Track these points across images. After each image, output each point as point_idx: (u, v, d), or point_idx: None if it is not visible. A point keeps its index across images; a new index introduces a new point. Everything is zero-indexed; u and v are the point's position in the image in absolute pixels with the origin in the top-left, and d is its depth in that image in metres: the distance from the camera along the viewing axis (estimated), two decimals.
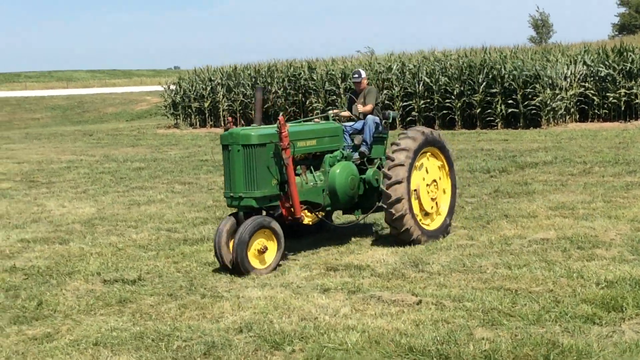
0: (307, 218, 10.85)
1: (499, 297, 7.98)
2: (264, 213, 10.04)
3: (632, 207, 12.35)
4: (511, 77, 29.47)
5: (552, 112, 28.86)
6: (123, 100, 69.27)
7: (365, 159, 11.13)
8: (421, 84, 31.45)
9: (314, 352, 6.73)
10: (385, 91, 32.28)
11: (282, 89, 36.67)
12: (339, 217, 12.25)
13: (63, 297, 8.78)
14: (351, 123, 11.49)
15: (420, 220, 10.76)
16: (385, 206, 10.42)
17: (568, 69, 29.36)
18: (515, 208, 12.80)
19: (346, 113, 11.72)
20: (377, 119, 11.30)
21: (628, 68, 28.92)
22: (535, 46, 44.90)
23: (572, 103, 29.36)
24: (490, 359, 6.42)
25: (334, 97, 34.43)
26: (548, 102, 28.55)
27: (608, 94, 28.95)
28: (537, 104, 28.63)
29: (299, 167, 10.34)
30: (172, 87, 41.78)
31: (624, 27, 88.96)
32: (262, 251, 9.45)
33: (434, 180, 11.04)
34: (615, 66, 29.03)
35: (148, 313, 8.07)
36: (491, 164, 18.12)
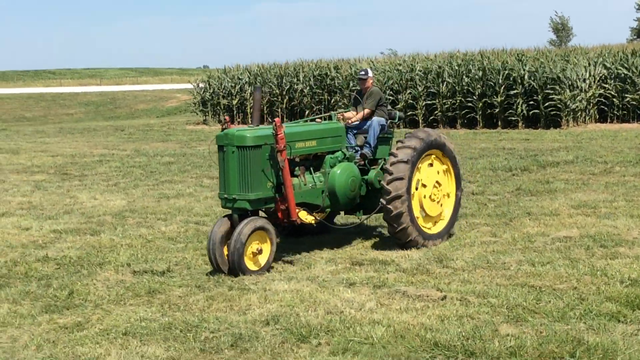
0: (309, 218, 10.14)
1: (523, 294, 7.80)
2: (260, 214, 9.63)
3: None
4: (532, 78, 29.19)
5: (572, 113, 28.55)
6: (154, 97, 69.41)
7: (367, 161, 10.67)
8: (444, 84, 31.22)
9: (339, 346, 6.59)
10: (408, 90, 32.07)
11: (308, 88, 36.56)
12: (341, 218, 11.91)
13: (94, 287, 8.70)
14: (356, 123, 10.97)
15: (420, 221, 10.25)
16: (384, 202, 9.94)
17: (586, 70, 29.03)
18: (538, 206, 12.57)
19: (351, 114, 11.06)
20: (382, 121, 10.89)
21: None
22: (556, 49, 44.40)
23: (591, 104, 29.04)
24: (515, 355, 6.25)
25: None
26: (568, 103, 28.24)
27: (627, 95, 28.60)
28: (558, 104, 28.33)
29: (297, 168, 9.89)
30: (202, 85, 41.96)
31: None
32: (257, 253, 9.08)
33: (438, 183, 10.53)
34: (634, 69, 28.69)
35: (176, 304, 7.96)
36: (513, 163, 17.86)
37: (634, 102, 28.45)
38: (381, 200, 9.95)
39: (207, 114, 40.93)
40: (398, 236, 10.00)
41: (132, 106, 64.89)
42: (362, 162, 10.62)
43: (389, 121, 11.09)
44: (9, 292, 8.54)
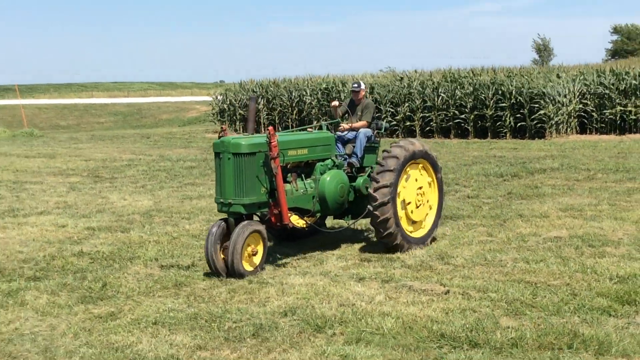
0: (301, 222, 9.95)
1: (520, 289, 7.63)
2: (255, 217, 9.31)
3: (636, 210, 11.90)
4: (519, 93, 29.05)
5: (555, 125, 28.40)
6: (175, 108, 69.42)
7: (354, 169, 10.37)
8: (439, 98, 31.09)
9: (353, 336, 6.43)
10: (407, 103, 31.94)
11: (315, 100, 36.43)
12: (331, 222, 11.62)
13: (125, 279, 8.55)
14: (345, 133, 10.71)
15: (405, 226, 9.89)
16: (371, 208, 9.56)
17: (566, 87, 28.91)
18: (528, 209, 12.39)
19: (347, 125, 10.75)
20: (369, 132, 10.58)
21: (623, 87, 28.52)
22: (539, 67, 44.18)
23: (572, 117, 28.90)
24: (517, 346, 6.09)
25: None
26: (551, 116, 28.09)
27: (605, 110, 28.47)
28: (542, 117, 28.16)
29: (289, 175, 9.60)
30: (219, 97, 41.94)
31: (616, 52, 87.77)
32: (252, 254, 8.76)
33: (422, 189, 10.13)
34: (612, 86, 28.59)
35: (201, 296, 7.81)
36: (503, 169, 17.68)
37: (611, 117, 28.32)
38: (368, 206, 9.61)
39: (224, 123, 40.83)
40: (384, 240, 9.66)
41: (157, 116, 64.89)
42: (349, 170, 10.35)
43: (376, 131, 10.77)
44: (47, 284, 8.39)
